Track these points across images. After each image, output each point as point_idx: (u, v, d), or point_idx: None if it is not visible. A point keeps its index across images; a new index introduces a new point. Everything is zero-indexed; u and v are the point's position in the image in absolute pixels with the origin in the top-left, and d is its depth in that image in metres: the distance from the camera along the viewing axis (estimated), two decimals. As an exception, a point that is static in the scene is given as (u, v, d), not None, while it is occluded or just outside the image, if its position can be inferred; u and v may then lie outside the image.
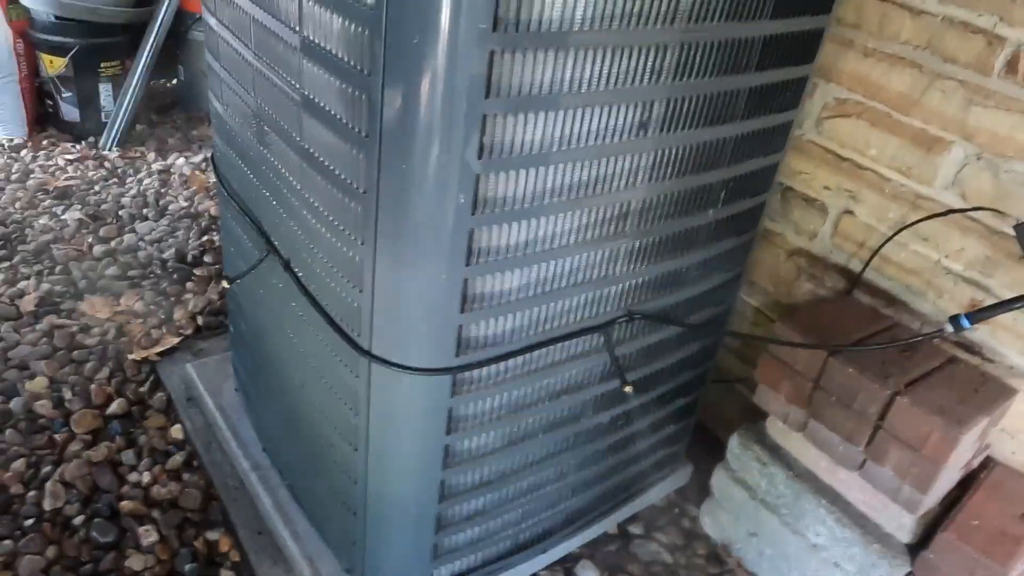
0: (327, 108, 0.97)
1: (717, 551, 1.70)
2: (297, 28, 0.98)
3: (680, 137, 1.08)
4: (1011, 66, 1.24)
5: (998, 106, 1.28)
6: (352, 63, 0.89)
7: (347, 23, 0.88)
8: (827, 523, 1.45)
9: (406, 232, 0.94)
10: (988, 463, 1.41)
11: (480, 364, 1.08)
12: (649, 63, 0.98)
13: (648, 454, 1.56)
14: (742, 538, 1.65)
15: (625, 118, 1.02)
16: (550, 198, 1.01)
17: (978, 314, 1.21)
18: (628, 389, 1.20)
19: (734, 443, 1.60)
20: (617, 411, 1.36)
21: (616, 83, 0.97)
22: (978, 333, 1.38)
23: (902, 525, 1.37)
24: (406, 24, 0.81)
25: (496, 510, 1.31)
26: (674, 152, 1.10)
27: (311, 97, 0.99)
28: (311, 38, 0.96)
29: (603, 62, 0.94)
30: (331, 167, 1.00)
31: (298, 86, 1.02)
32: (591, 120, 0.98)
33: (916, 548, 1.36)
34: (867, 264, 1.50)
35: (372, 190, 0.93)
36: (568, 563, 1.62)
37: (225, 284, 1.27)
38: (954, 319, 1.22)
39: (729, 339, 1.81)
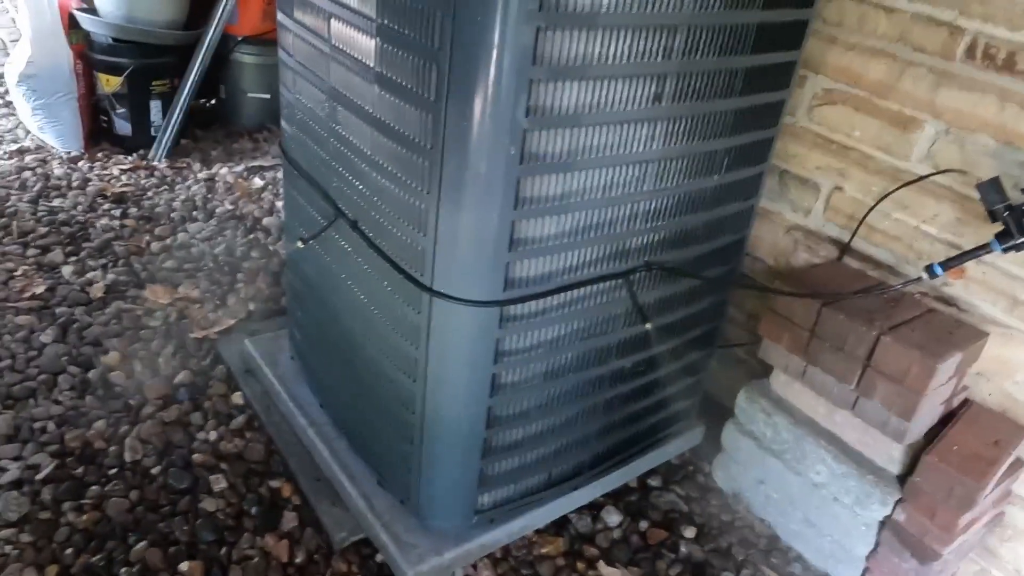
0: (400, 81, 1.18)
1: (728, 501, 1.87)
2: (375, 16, 1.19)
3: (688, 108, 1.29)
4: (970, 52, 1.45)
5: (961, 87, 1.48)
6: (423, 40, 1.10)
7: (421, 5, 1.10)
8: (826, 461, 1.62)
9: (465, 179, 1.14)
10: (967, 404, 1.59)
11: (523, 299, 1.27)
12: (662, 43, 1.20)
13: (665, 404, 1.75)
14: (751, 486, 1.83)
15: (643, 90, 1.22)
16: (582, 155, 1.21)
17: (948, 262, 1.41)
18: (648, 326, 1.39)
19: (742, 398, 1.78)
20: (638, 357, 1.55)
21: (635, 59, 1.18)
22: (955, 289, 1.57)
23: (892, 458, 1.55)
24: (472, 5, 1.02)
25: (533, 442, 1.50)
26: (684, 122, 1.30)
27: (385, 74, 1.21)
28: (387, 23, 1.17)
29: (624, 40, 1.15)
30: (401, 130, 1.21)
31: (373, 65, 1.23)
32: (615, 90, 1.19)
33: (904, 479, 1.53)
34: (855, 233, 1.70)
35: (438, 146, 1.14)
36: (594, 510, 1.79)
37: (300, 244, 1.47)
38: (928, 268, 1.41)
39: (736, 313, 2.00)
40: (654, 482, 1.90)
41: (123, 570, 1.53)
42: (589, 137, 1.21)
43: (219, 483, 1.73)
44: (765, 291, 1.78)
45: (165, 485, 1.72)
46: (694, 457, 1.99)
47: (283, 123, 1.64)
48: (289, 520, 1.67)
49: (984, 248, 1.37)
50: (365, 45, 1.24)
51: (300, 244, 1.47)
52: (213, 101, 3.48)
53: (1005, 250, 1.33)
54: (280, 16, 1.52)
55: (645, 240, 1.39)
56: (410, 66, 1.15)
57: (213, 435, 1.85)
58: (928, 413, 1.48)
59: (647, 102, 1.24)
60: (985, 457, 1.43)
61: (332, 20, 1.32)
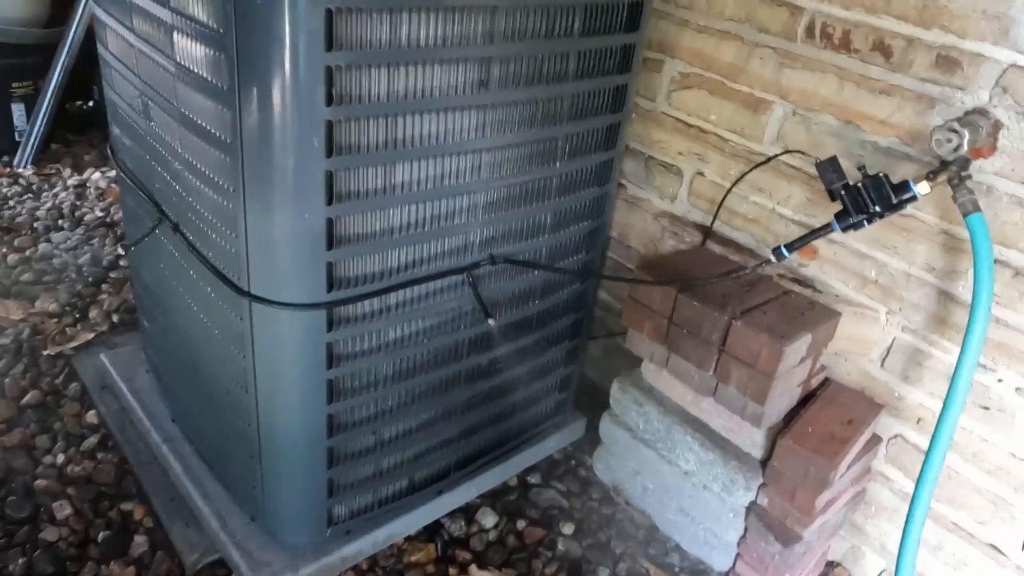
0: (195, 71, 1.10)
1: (609, 493, 1.84)
2: (166, 4, 1.11)
3: (518, 94, 1.24)
4: (809, 31, 1.45)
5: (803, 67, 1.48)
6: (211, 26, 1.03)
7: (206, -7, 1.02)
8: (694, 449, 1.60)
9: (269, 175, 1.07)
10: (827, 383, 1.59)
11: (350, 300, 1.20)
12: (482, 26, 1.14)
13: (534, 400, 1.70)
14: (628, 477, 1.80)
15: (466, 76, 1.17)
16: (403, 146, 1.15)
17: (793, 244, 1.39)
18: (491, 322, 1.34)
19: (615, 388, 1.75)
20: (494, 353, 1.50)
21: (453, 43, 1.12)
22: (810, 269, 1.57)
23: (754, 442, 1.54)
24: (251, -13, 0.95)
25: (387, 447, 1.43)
26: (515, 108, 1.26)
27: (183, 64, 1.12)
28: (178, 10, 1.09)
29: (438, 24, 1.10)
30: (203, 124, 1.13)
31: (171, 56, 1.15)
32: (434, 77, 1.14)
33: (766, 463, 1.52)
34: (715, 217, 1.69)
35: (237, 140, 1.06)
36: (469, 512, 1.74)
37: (120, 251, 1.37)
38: (775, 250, 1.40)
39: (613, 301, 1.98)
40: (534, 479, 1.86)
41: (-54, 612, 1.41)
42: (410, 127, 1.15)
43: (63, 510, 1.62)
44: (616, 280, 1.76)
45: (2, 516, 1.59)
46: (577, 451, 1.95)
47: (111, 123, 1.53)
48: (139, 545, 1.57)
49: (825, 228, 1.36)
50: (162, 36, 1.16)
51: (121, 250, 1.37)
52: (89, 103, 3.31)
53: (844, 229, 1.33)
54: (95, 9, 1.42)
55: (487, 232, 1.34)
56: (202, 55, 1.07)
57: (61, 458, 1.73)
58: (784, 396, 1.47)
59: (472, 89, 1.19)
60: (839, 436, 1.43)
61: (133, 12, 1.23)
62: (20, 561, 1.50)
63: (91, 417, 1.84)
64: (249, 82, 1.02)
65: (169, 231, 1.34)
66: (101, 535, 1.57)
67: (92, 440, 1.78)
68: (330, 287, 1.18)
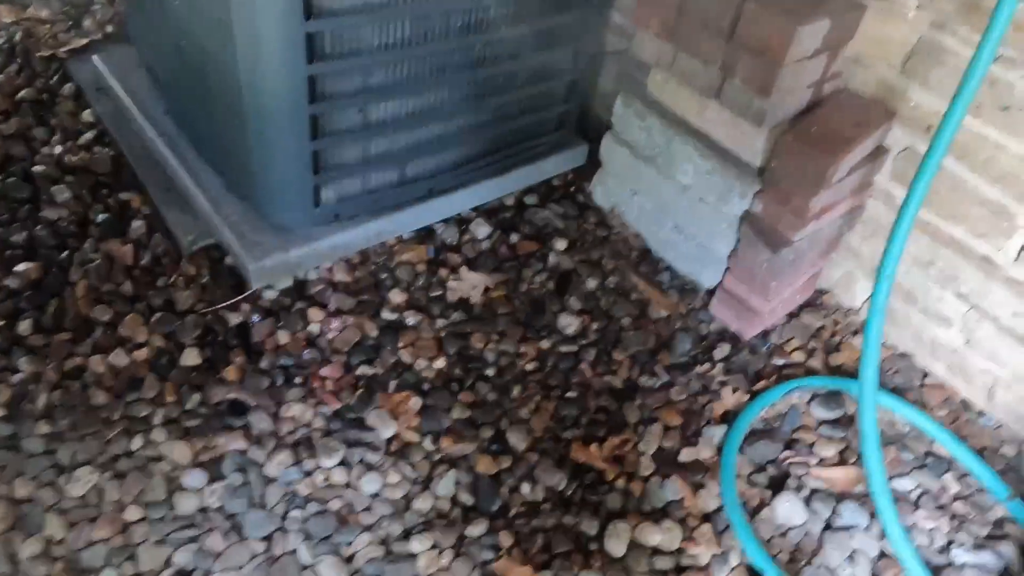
0: None
1: (606, 218, 1.83)
2: None
3: None
4: None
5: None
6: None
7: None
8: (693, 159, 1.56)
9: None
10: (839, 93, 1.50)
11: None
12: None
13: (535, 108, 1.64)
14: (626, 199, 1.78)
15: None
16: None
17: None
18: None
19: (618, 104, 1.68)
20: (492, 37, 1.41)
21: None
22: (839, -36, 1.43)
23: (755, 150, 1.48)
24: None
25: (375, 129, 1.40)
26: None
27: None
28: None
29: None
30: None
31: None
32: None
33: (764, 172, 1.47)
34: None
35: None
36: (463, 224, 1.74)
37: None
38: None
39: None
40: (531, 200, 1.84)
41: (-46, 272, 1.47)
42: None
43: (62, 194, 1.64)
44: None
45: (4, 196, 1.62)
46: (577, 179, 1.92)
47: None
48: (137, 228, 1.60)
49: None
50: None
51: None
52: None
53: None
54: None
55: None
56: None
57: (58, 149, 1.73)
58: (791, 92, 1.39)
59: None
60: (844, 136, 1.37)
61: None
62: (23, 235, 1.55)
63: (87, 116, 1.83)
64: None
65: None
66: (99, 217, 1.61)
67: (88, 136, 1.78)
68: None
